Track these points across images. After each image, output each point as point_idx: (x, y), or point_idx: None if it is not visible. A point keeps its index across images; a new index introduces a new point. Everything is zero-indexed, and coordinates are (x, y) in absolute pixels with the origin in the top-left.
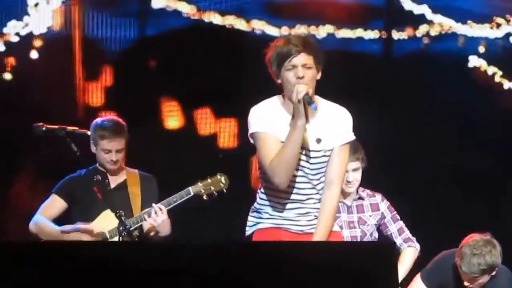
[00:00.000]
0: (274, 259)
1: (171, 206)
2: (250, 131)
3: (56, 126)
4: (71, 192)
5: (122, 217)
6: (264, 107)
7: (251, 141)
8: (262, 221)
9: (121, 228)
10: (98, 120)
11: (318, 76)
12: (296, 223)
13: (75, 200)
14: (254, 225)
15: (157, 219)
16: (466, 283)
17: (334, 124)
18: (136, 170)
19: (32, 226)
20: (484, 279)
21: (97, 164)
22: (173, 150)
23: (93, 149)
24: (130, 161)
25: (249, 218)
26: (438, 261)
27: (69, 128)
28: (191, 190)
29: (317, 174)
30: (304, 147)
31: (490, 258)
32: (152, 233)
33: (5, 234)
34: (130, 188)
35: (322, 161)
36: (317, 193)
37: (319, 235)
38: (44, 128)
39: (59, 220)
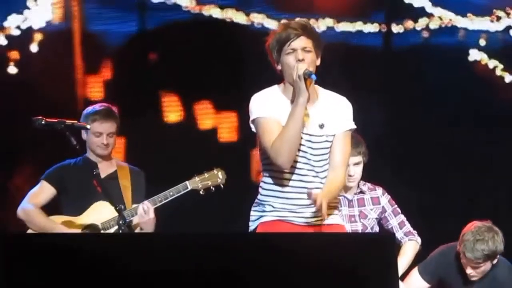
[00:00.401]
0: (271, 251)
1: (168, 200)
2: (252, 117)
3: (55, 120)
4: (61, 179)
5: (122, 211)
6: (265, 94)
7: (252, 128)
8: (266, 214)
9: (120, 222)
10: (89, 107)
11: (318, 62)
12: (300, 215)
13: (64, 188)
14: (258, 218)
15: (145, 216)
16: (468, 271)
17: (336, 111)
18: (126, 163)
19: (21, 212)
20: (487, 266)
21: (87, 154)
22: (172, 144)
23: (84, 135)
24: (130, 154)
25: (252, 212)
26: (437, 255)
27: (68, 121)
28: (189, 184)
29: (319, 160)
30: (307, 132)
31: (493, 244)
32: (137, 229)
33: (5, 228)
34: (121, 180)
35: (324, 146)
36: (321, 183)
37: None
38: (43, 122)
39: (47, 208)
